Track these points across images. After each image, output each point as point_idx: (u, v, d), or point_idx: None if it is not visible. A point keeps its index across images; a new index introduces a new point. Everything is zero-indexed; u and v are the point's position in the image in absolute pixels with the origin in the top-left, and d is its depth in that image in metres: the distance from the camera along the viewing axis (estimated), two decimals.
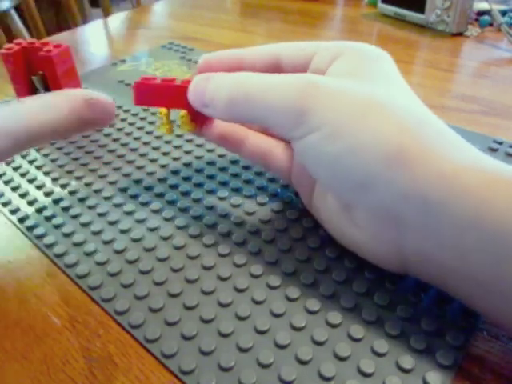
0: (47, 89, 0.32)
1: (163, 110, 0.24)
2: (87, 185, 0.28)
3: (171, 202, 0.26)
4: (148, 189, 0.27)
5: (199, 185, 0.28)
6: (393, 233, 0.18)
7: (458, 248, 0.16)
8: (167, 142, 0.32)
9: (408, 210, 0.17)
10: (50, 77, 0.31)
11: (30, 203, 0.26)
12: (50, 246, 0.23)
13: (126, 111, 0.37)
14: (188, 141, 0.32)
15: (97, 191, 0.27)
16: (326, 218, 0.22)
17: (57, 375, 0.18)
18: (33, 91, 0.32)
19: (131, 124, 0.35)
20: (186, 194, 0.27)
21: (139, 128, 0.34)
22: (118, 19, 0.68)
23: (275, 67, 0.23)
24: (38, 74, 0.31)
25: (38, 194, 0.27)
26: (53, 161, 0.30)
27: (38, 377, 0.18)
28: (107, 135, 0.33)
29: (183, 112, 0.23)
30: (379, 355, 0.18)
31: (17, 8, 1.06)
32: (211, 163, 0.30)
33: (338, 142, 0.18)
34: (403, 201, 0.17)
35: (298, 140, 0.19)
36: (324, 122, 0.18)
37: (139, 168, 0.29)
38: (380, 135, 0.17)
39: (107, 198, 0.27)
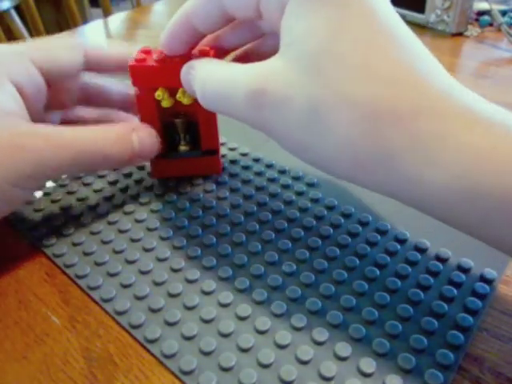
0: (190, 134, 0.27)
1: (160, 89, 0.24)
2: (86, 185, 0.28)
3: (170, 202, 0.26)
4: (148, 189, 0.27)
5: (198, 185, 0.28)
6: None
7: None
8: None
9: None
10: (203, 117, 0.26)
11: (29, 203, 0.26)
12: (49, 246, 0.23)
13: None
14: None
15: (96, 191, 0.27)
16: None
17: (57, 375, 0.18)
18: (166, 134, 0.26)
19: None
20: (184, 194, 0.27)
21: None
22: (118, 19, 0.68)
23: (227, 20, 0.22)
24: (181, 117, 0.26)
25: (37, 194, 0.27)
26: None
27: (38, 377, 0.18)
28: None
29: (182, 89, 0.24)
30: (379, 355, 0.18)
31: (17, 8, 1.06)
32: None
33: (303, 154, 0.19)
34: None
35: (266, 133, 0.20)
36: (273, 130, 0.19)
37: (140, 168, 0.29)
38: (326, 149, 0.17)
39: (107, 199, 0.27)
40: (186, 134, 0.27)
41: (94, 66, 0.26)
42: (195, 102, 0.24)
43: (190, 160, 0.27)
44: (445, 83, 0.16)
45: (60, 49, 0.25)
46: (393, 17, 0.17)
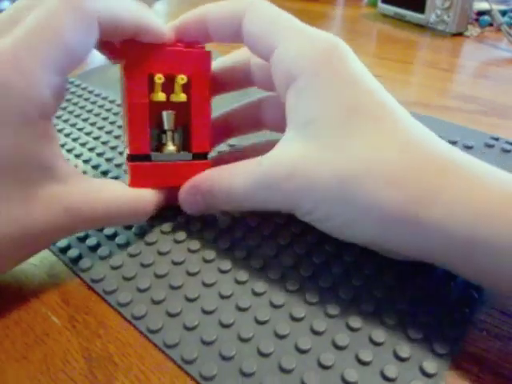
0: (178, 135, 0.23)
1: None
2: None
3: None
4: None
5: None
6: None
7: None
8: None
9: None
10: (196, 112, 0.23)
11: None
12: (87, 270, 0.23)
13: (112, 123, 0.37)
14: None
15: None
16: None
17: (57, 375, 0.18)
18: (152, 132, 0.23)
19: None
20: None
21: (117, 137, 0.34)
22: None
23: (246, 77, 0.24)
24: (171, 111, 0.23)
25: None
26: None
27: (38, 377, 0.18)
28: (109, 132, 0.33)
29: None
30: (377, 344, 0.18)
31: None
32: None
33: (327, 223, 0.20)
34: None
35: (300, 217, 0.21)
36: (309, 211, 0.20)
37: None
38: (358, 217, 0.19)
39: None
40: (174, 133, 0.23)
41: (108, 35, 0.20)
42: (188, 99, 0.23)
43: (177, 165, 0.23)
44: (441, 145, 0.19)
45: (74, 33, 0.18)
46: (386, 93, 0.20)
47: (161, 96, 0.22)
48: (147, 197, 0.23)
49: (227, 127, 0.27)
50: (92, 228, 0.23)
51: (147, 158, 0.23)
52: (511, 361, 0.18)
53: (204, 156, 0.24)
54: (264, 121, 0.26)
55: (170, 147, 0.23)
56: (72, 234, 0.22)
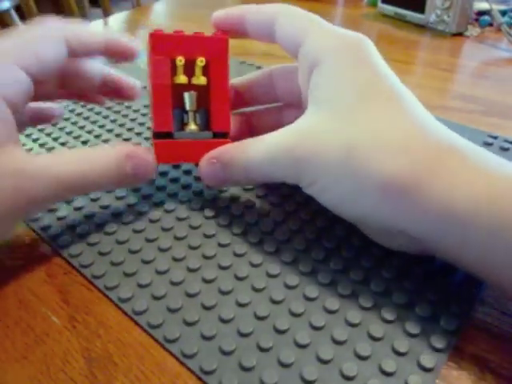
0: (200, 116, 0.25)
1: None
2: None
3: (185, 202, 0.26)
4: (160, 189, 0.27)
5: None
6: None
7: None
8: None
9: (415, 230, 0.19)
10: (216, 92, 0.25)
11: None
12: (53, 238, 0.23)
13: (128, 107, 0.37)
14: None
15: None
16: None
17: (57, 375, 0.18)
18: (174, 112, 0.24)
19: (133, 120, 0.35)
20: (198, 193, 0.27)
21: (141, 124, 0.35)
22: (117, 19, 0.68)
23: (271, 41, 0.25)
24: (192, 91, 0.25)
25: None
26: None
27: (38, 377, 0.18)
28: (110, 131, 0.33)
29: None
30: (375, 339, 0.18)
31: (17, 8, 1.06)
32: None
33: (329, 193, 0.21)
34: (408, 224, 0.19)
35: (304, 188, 0.22)
36: (314, 180, 0.21)
37: None
38: (362, 186, 0.19)
39: (109, 191, 0.27)
40: (195, 114, 0.25)
41: (78, 53, 0.24)
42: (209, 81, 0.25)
43: (199, 143, 0.25)
44: (446, 131, 0.20)
45: (44, 46, 0.23)
46: (400, 83, 0.21)
47: (182, 79, 0.24)
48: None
49: (239, 96, 0.28)
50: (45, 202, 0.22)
51: (170, 135, 0.25)
52: (511, 361, 0.18)
53: (224, 135, 0.25)
54: (276, 91, 0.28)
55: (192, 126, 0.25)
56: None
